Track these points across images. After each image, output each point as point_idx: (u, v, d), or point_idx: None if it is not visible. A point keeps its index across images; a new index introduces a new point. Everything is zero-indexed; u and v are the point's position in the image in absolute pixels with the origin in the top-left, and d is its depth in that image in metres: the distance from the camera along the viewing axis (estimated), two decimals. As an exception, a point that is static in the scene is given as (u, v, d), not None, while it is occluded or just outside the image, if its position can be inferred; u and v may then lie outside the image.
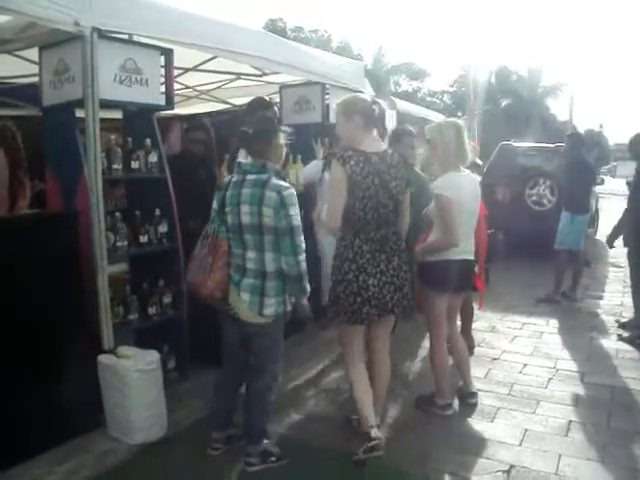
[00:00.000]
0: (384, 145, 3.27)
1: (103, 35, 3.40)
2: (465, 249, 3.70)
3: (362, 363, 3.39)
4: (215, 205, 3.15)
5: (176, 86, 5.75)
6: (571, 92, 31.22)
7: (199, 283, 3.08)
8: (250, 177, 3.02)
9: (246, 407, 3.25)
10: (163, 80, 3.95)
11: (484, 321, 5.78)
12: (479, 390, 4.21)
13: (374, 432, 3.21)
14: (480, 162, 5.52)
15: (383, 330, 3.44)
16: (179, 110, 6.60)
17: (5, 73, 4.67)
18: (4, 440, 3.05)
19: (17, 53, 4.08)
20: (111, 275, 3.86)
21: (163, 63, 3.89)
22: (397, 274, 3.22)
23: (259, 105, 4.15)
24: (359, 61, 6.03)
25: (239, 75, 5.74)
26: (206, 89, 6.15)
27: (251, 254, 3.02)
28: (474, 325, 5.20)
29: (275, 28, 30.70)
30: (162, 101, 3.93)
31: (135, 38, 3.72)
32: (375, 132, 3.23)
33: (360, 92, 5.84)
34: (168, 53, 3.89)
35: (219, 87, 6.11)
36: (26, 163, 4.58)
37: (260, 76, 5.65)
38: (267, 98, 4.27)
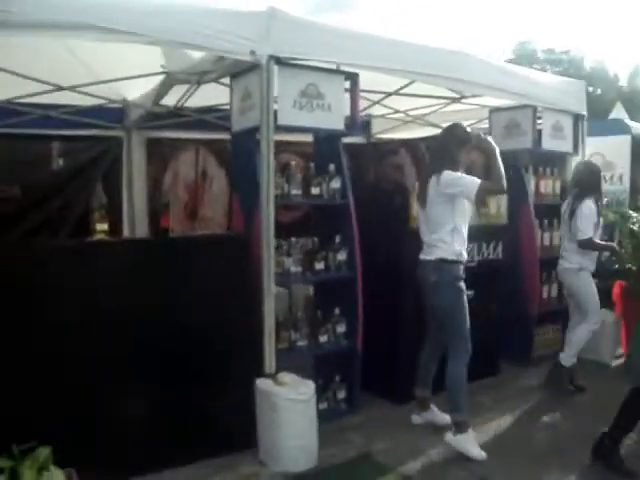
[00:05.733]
0: None
1: (282, 62, 3.45)
2: None
3: None
4: None
5: (384, 110, 5.74)
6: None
7: None
8: None
9: None
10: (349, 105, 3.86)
11: None
12: None
13: None
14: None
15: None
16: (397, 134, 6.48)
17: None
18: (161, 445, 3.23)
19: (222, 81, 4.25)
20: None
21: (348, 87, 3.82)
22: None
23: (457, 130, 3.80)
24: (578, 80, 5.22)
25: (455, 99, 5.43)
26: (421, 113, 5.94)
27: None
28: None
29: (524, 50, 29.10)
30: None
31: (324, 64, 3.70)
32: None
33: (582, 115, 5.17)
34: (353, 77, 3.81)
35: (434, 112, 5.85)
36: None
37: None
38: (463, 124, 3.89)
